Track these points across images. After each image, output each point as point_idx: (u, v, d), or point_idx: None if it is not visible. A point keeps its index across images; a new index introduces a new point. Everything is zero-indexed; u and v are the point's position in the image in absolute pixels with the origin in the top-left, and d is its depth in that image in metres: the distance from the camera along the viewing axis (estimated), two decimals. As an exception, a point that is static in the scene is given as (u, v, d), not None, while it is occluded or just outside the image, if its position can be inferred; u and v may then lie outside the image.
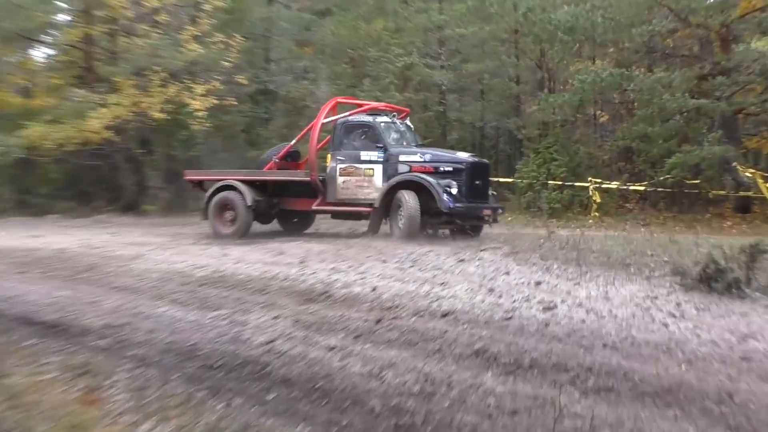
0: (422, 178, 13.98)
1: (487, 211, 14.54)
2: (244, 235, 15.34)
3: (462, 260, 11.18)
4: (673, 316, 7.53)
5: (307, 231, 17.22)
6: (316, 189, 15.38)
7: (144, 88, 22.24)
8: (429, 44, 27.13)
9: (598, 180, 20.82)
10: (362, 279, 9.83)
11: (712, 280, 8.44)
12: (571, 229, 15.73)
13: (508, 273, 10.09)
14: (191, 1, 24.07)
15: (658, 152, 20.75)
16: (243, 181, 15.72)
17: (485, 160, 16.24)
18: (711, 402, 5.14)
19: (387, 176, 14.52)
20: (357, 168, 14.87)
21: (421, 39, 26.08)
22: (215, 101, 22.16)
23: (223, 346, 6.69)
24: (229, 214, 15.68)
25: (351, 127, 15.28)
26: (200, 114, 21.75)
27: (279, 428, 4.91)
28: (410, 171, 14.31)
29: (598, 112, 27.21)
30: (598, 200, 20.45)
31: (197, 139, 24.81)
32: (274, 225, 17.35)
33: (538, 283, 9.33)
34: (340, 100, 17.36)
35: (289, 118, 28.15)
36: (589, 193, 20.61)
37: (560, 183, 20.84)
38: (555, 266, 10.34)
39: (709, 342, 6.56)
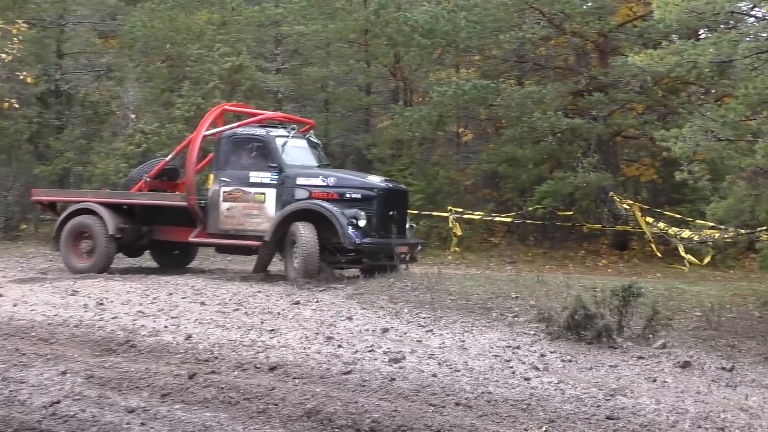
0: (322, 207, 13.46)
1: (403, 248, 14.01)
2: (104, 269, 14.62)
3: (297, 302, 11.31)
4: (536, 368, 7.94)
5: (190, 265, 16.79)
6: (196, 216, 14.75)
7: None
8: (263, 43, 27.19)
9: (460, 209, 21.46)
10: (175, 325, 9.79)
11: (581, 328, 8.93)
12: (427, 266, 16.19)
13: (350, 318, 10.29)
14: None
15: (528, 178, 21.63)
16: (104, 204, 15.05)
17: (402, 186, 15.67)
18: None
19: (282, 203, 13.94)
20: (245, 192, 14.26)
21: (254, 36, 26.04)
22: (-9, 102, 21.38)
23: (-8, 410, 6.50)
24: (86, 244, 15.02)
25: (239, 142, 14.68)
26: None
27: None
28: (310, 197, 13.85)
29: (461, 130, 28.08)
30: (459, 233, 21.09)
31: (-33, 150, 23.80)
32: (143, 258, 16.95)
33: (384, 330, 9.58)
34: (228, 107, 16.85)
35: (88, 126, 27.45)
36: (448, 224, 21.21)
37: (416, 212, 21.33)
38: (405, 310, 10.64)
39: (574, 399, 6.97)
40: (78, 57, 29.04)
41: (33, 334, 9.40)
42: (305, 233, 13.15)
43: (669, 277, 15.73)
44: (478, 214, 21.99)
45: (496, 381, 7.49)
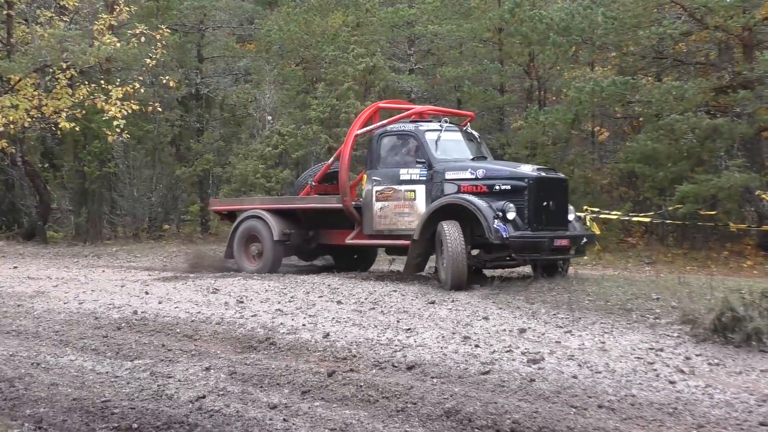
0: (466, 201, 12.59)
1: (562, 242, 12.84)
2: (272, 271, 14.87)
3: (432, 302, 11.29)
4: (682, 372, 7.68)
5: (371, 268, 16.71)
6: (352, 218, 14.57)
7: (47, 88, 22.09)
8: (396, 44, 27.41)
9: (596, 209, 21.06)
10: (312, 323, 9.91)
11: (729, 330, 8.61)
12: (563, 267, 15.90)
13: (486, 318, 10.21)
14: (107, -17, 23.98)
15: (667, 177, 21.00)
16: (269, 210, 15.36)
17: (561, 175, 14.11)
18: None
19: (432, 199, 13.30)
20: (396, 190, 13.80)
21: (387, 37, 26.30)
22: (136, 107, 22.09)
23: (142, 404, 6.70)
24: (254, 247, 15.41)
25: (389, 139, 14.35)
26: (117, 122, 21.60)
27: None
28: (459, 191, 13.02)
29: (597, 129, 27.61)
30: (597, 232, 20.70)
31: (114, 153, 24.68)
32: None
33: (522, 331, 9.46)
34: (382, 105, 16.36)
35: (227, 129, 28.21)
36: (585, 224, 20.80)
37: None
38: (542, 310, 10.49)
39: (724, 403, 6.71)
40: (217, 61, 29.87)
41: (178, 330, 9.69)
42: (450, 232, 12.33)
43: (820, 280, 15.00)
44: (615, 214, 21.53)
45: (640, 384, 7.28)
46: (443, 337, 9.14)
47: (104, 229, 25.45)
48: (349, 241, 14.58)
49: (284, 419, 6.29)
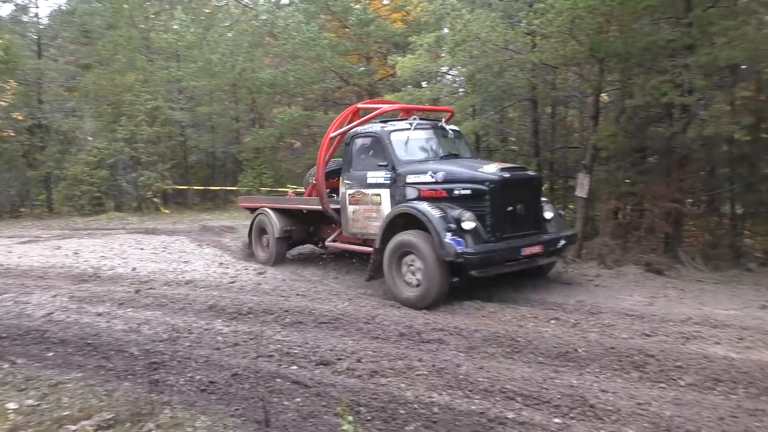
0: (416, 210, 6.54)
1: (531, 249, 6.54)
2: (276, 263, 8.93)
3: (200, 246, 10.90)
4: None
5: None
6: (333, 220, 8.35)
7: None
8: (171, 92, 25.64)
9: (294, 186, 21.18)
10: (125, 262, 9.27)
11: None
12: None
13: (232, 251, 10.05)
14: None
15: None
16: (273, 208, 9.30)
17: (530, 174, 7.08)
18: (362, 323, 5.63)
19: (396, 204, 7.13)
20: (364, 194, 7.59)
21: (165, 88, 24.51)
22: (-6, 132, 19.14)
23: (8, 321, 5.97)
24: (265, 239, 9.46)
25: (357, 141, 7.91)
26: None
27: (56, 377, 4.54)
28: (419, 197, 6.88)
29: (293, 141, 27.72)
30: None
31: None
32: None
33: (251, 255, 9.40)
34: (361, 106, 8.77)
35: (62, 146, 25.11)
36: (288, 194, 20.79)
37: (269, 189, 20.91)
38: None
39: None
40: (52, 102, 26.36)
41: (33, 273, 8.66)
42: (418, 243, 6.40)
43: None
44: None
45: (321, 282, 7.52)
46: (207, 264, 8.92)
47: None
48: (329, 243, 8.39)
49: (107, 321, 5.88)
